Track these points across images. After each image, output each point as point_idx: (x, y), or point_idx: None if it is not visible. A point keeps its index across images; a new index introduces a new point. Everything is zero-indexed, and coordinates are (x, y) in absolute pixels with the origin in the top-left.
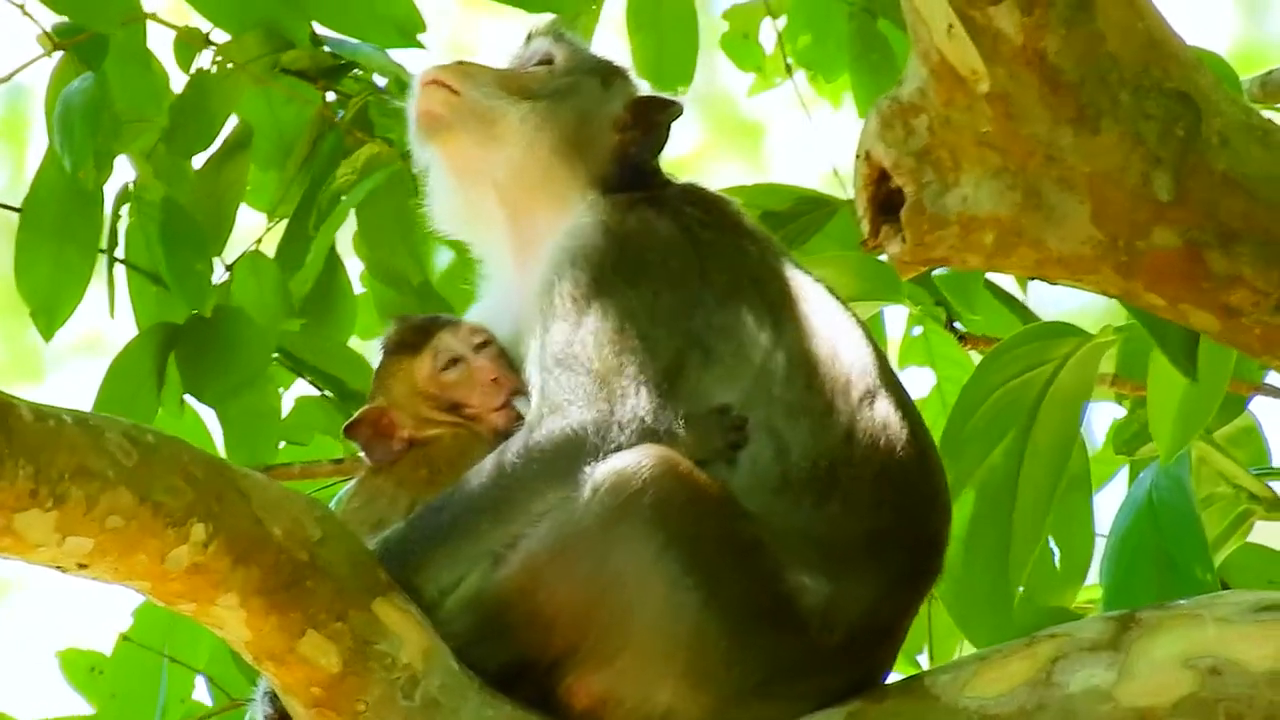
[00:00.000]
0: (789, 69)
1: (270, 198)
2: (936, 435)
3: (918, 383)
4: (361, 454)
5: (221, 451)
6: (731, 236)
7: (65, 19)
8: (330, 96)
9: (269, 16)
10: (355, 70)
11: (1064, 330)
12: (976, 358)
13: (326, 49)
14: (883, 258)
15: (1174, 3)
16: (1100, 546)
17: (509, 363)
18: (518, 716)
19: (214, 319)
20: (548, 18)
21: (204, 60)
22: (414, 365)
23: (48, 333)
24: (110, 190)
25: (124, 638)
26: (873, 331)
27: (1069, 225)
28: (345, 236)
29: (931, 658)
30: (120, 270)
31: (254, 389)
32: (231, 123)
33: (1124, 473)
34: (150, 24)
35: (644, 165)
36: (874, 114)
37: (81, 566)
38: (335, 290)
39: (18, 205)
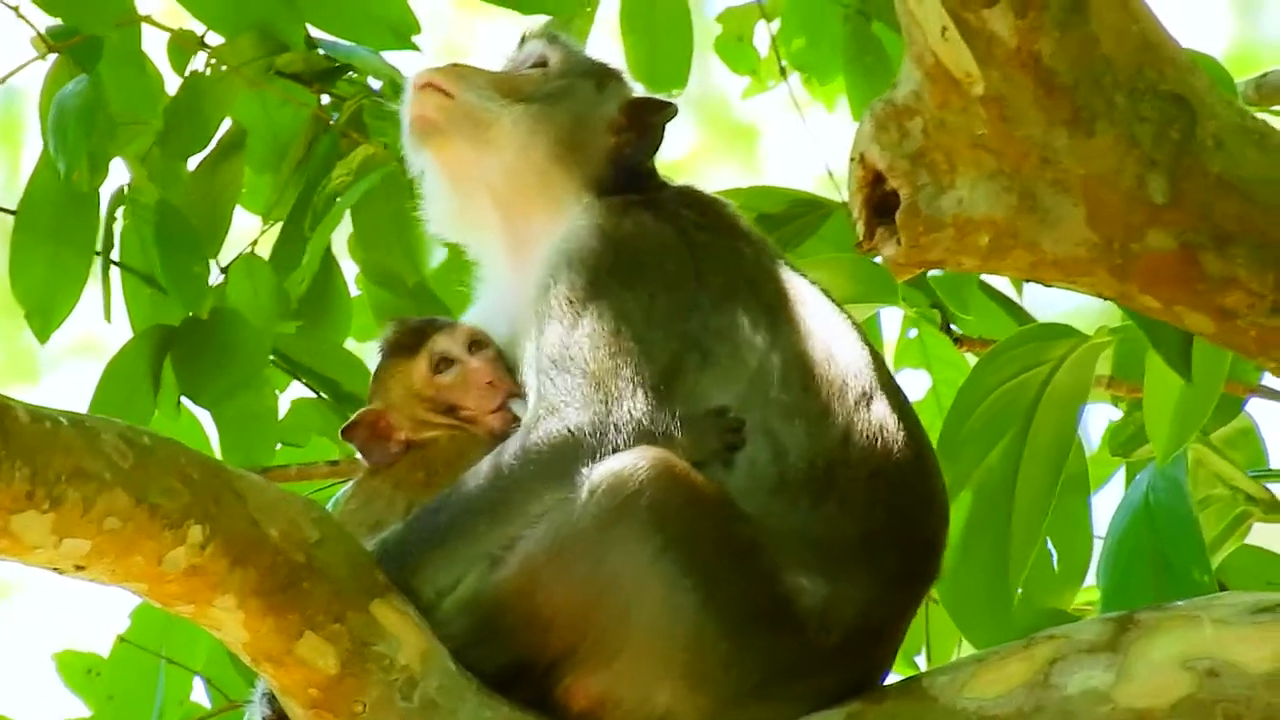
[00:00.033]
0: (783, 72)
1: (265, 200)
2: (933, 437)
3: (913, 385)
4: (359, 456)
5: (218, 453)
6: (727, 239)
7: (59, 21)
8: (325, 99)
9: (263, 19)
10: (350, 73)
11: (1060, 331)
12: (972, 360)
13: (321, 52)
14: (878, 260)
15: (1168, 5)
16: (1097, 548)
17: (505, 365)
18: (515, 718)
19: (209, 321)
20: (542, 20)
21: (198, 63)
22: (410, 368)
23: (43, 335)
24: (105, 192)
25: (121, 639)
26: (868, 334)
27: (1064, 228)
28: (341, 239)
29: (929, 659)
30: (115, 273)
31: (250, 391)
32: (226, 125)
33: (1121, 474)
34: (145, 26)
35: (639, 167)
36: (869, 116)
37: (78, 568)
38: (331, 292)
39: (13, 208)
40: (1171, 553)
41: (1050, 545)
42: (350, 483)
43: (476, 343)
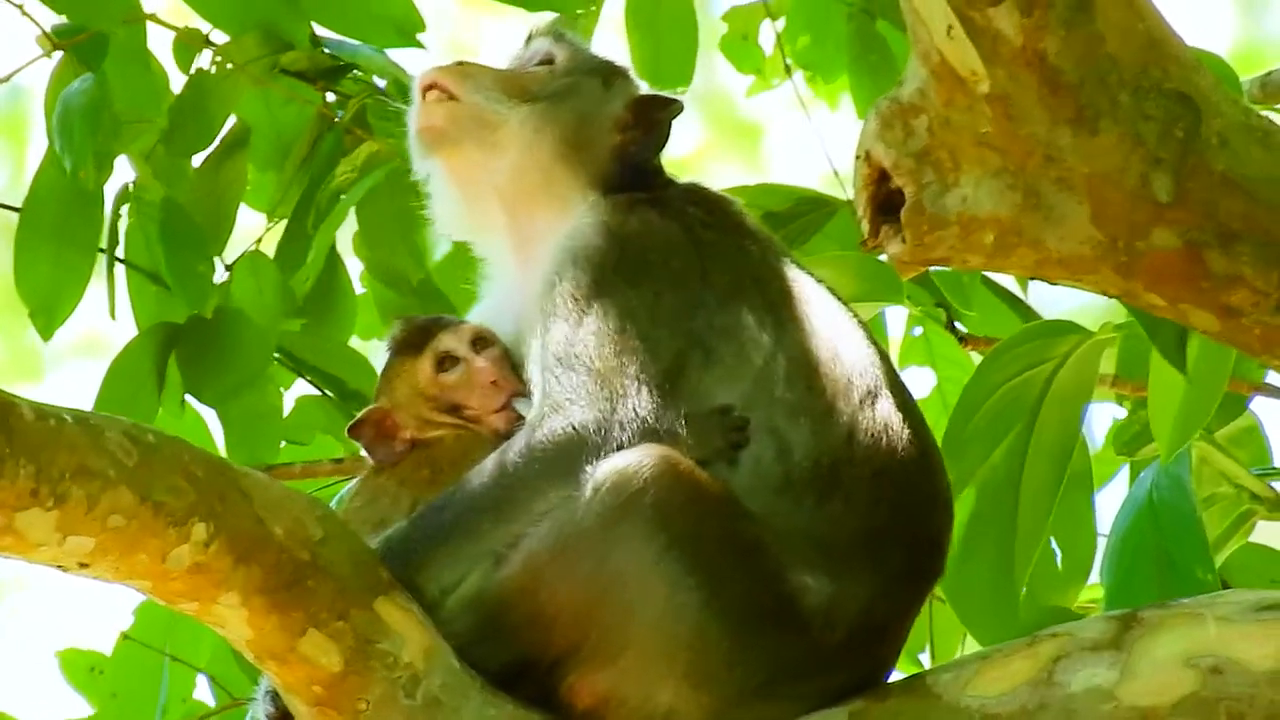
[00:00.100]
0: (788, 70)
1: (269, 198)
2: (938, 435)
3: (918, 383)
4: (364, 454)
5: (222, 451)
6: (733, 237)
7: (65, 19)
8: (330, 97)
9: (268, 17)
10: (354, 71)
11: (1064, 328)
12: (977, 358)
13: (325, 50)
14: (883, 258)
15: (1173, 3)
16: (1101, 546)
17: (511, 364)
18: (519, 716)
19: (214, 319)
20: (548, 18)
21: (203, 61)
22: (415, 366)
23: (47, 333)
24: (110, 190)
25: (125, 637)
26: (874, 332)
27: (1068, 226)
28: (345, 236)
29: (933, 656)
30: (120, 270)
31: (254, 389)
32: (230, 123)
33: (1124, 472)
34: (150, 25)
35: (645, 165)
36: (874, 114)
37: (83, 566)
38: (335, 290)
39: (17, 205)
40: (1175, 551)
41: (1054, 543)
42: (355, 480)
43: (481, 341)
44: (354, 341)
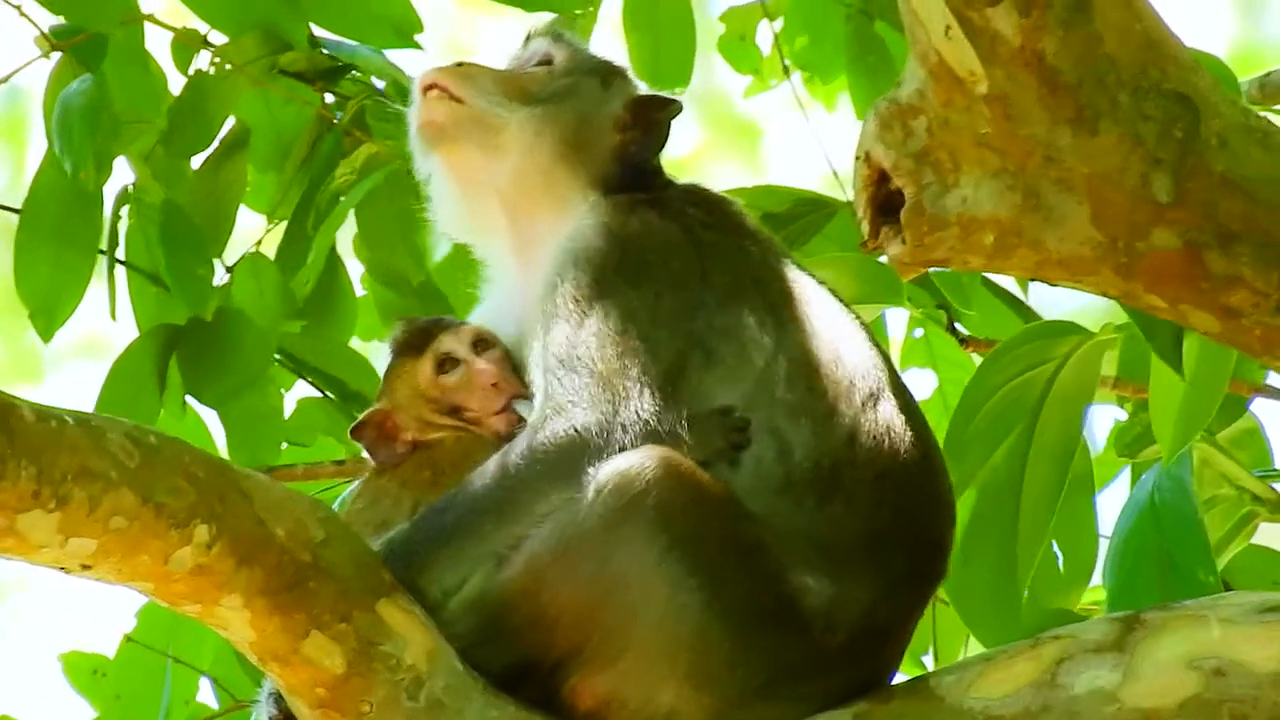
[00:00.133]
0: (786, 71)
1: (269, 199)
2: (939, 437)
3: (919, 385)
4: (365, 455)
5: (224, 453)
6: (734, 237)
7: (63, 20)
8: (329, 98)
9: (267, 18)
10: (353, 72)
11: (1065, 329)
12: (978, 360)
13: (324, 51)
14: (883, 259)
15: (1171, 4)
16: (1103, 549)
17: (512, 366)
18: (521, 717)
19: (215, 320)
20: (546, 18)
21: (202, 62)
22: (416, 368)
23: (47, 334)
24: (110, 191)
25: (128, 639)
26: (874, 334)
27: (1068, 226)
28: (346, 238)
29: (936, 659)
30: (121, 271)
31: (255, 390)
32: (229, 124)
33: (1126, 475)
34: (148, 25)
35: (645, 165)
36: (873, 115)
37: (85, 568)
38: (336, 291)
39: (17, 206)
40: (1177, 553)
41: (1056, 546)
42: (357, 482)
43: (482, 343)
44: (355, 343)
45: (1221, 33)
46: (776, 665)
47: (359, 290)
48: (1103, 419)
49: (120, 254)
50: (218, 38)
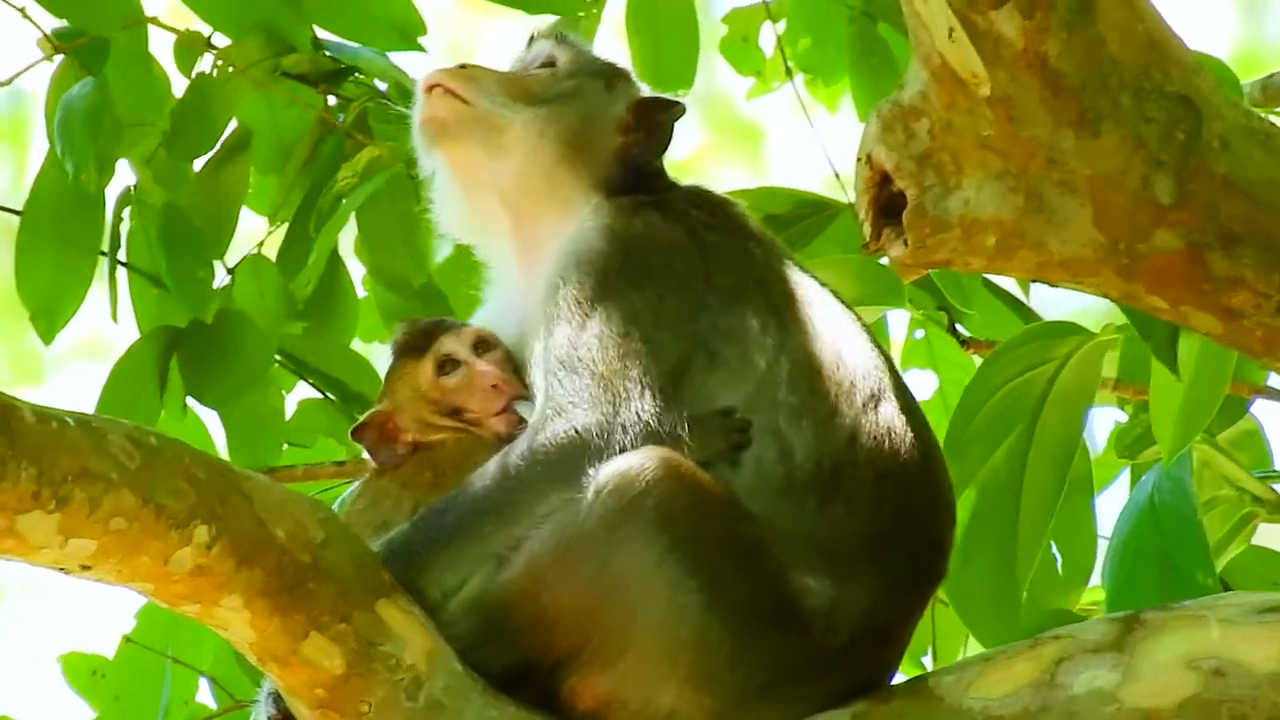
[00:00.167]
0: (789, 72)
1: (271, 201)
2: (939, 438)
3: (920, 386)
4: (366, 456)
5: (224, 454)
6: (737, 239)
7: (65, 23)
8: (331, 100)
9: (269, 20)
10: (356, 74)
11: (1066, 329)
12: (979, 361)
13: (327, 53)
14: (884, 261)
15: (1174, 5)
16: (1102, 550)
17: (513, 367)
18: (521, 718)
19: (216, 322)
20: (549, 20)
21: (205, 64)
22: (417, 370)
23: (48, 336)
24: (112, 193)
25: (127, 640)
26: (876, 335)
27: (1070, 228)
28: (347, 239)
29: (935, 659)
30: (122, 273)
31: (256, 391)
32: (232, 126)
33: (1125, 477)
34: (151, 27)
35: (647, 167)
36: (875, 117)
37: (84, 568)
38: (337, 293)
39: (19, 208)
40: (1176, 554)
41: (1054, 547)
42: (357, 483)
43: (483, 344)
44: (356, 344)
45: (1224, 34)
46: (777, 666)
47: (360, 292)
48: (1103, 420)
49: (122, 255)
50: (221, 40)
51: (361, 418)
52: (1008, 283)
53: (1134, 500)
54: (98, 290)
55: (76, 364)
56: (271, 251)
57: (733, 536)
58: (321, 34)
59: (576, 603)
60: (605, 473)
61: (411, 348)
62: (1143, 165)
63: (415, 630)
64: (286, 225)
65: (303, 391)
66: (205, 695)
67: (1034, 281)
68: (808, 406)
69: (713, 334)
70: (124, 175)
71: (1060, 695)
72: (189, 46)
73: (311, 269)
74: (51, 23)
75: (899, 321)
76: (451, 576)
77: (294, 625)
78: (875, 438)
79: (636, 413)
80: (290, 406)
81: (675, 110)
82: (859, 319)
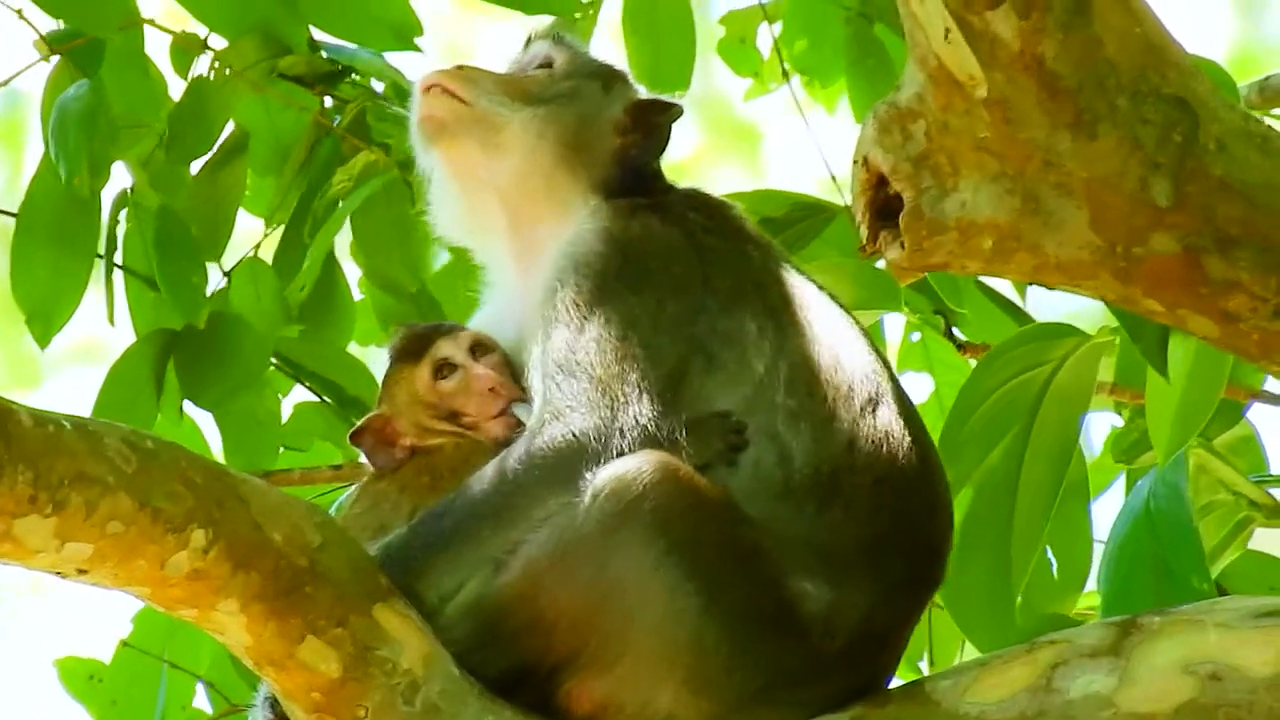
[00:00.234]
0: (785, 74)
1: (268, 203)
2: (935, 441)
3: (916, 389)
4: (364, 460)
5: (220, 458)
6: (735, 242)
7: (62, 24)
8: (328, 102)
9: (266, 21)
10: (353, 75)
11: (1062, 331)
12: (975, 365)
13: (324, 54)
14: (881, 264)
15: (1171, 6)
16: (1098, 554)
17: (511, 371)
18: None
19: (212, 325)
20: (546, 21)
21: (201, 66)
22: (414, 374)
23: (43, 340)
24: (109, 195)
25: (124, 644)
26: (872, 338)
27: (1067, 230)
28: (344, 242)
29: (932, 663)
30: (118, 276)
31: (252, 394)
32: (229, 129)
33: (1121, 481)
34: (147, 29)
35: (645, 169)
36: (872, 119)
37: (81, 572)
38: (334, 296)
39: (14, 211)
40: (1172, 559)
41: (1050, 553)
42: (355, 486)
43: (481, 348)
44: (352, 347)
45: (1221, 35)
46: (774, 670)
47: (357, 295)
48: (1100, 425)
49: (119, 258)
50: (217, 42)
51: (359, 422)
52: (1004, 286)
53: (1130, 505)
54: (94, 293)
55: (73, 367)
56: (268, 253)
57: (730, 540)
58: (318, 35)
59: (574, 606)
60: (602, 476)
61: (408, 352)
62: (1140, 168)
63: (412, 634)
64: (283, 227)
65: (299, 395)
66: (202, 700)
67: (1030, 284)
68: (806, 410)
69: (711, 337)
70: (122, 177)
71: (1057, 700)
72: (185, 48)
73: (306, 273)
74: (48, 24)
75: (895, 325)
76: (449, 580)
77: (290, 629)
78: (873, 442)
79: (634, 417)
80: (286, 410)
81: (673, 112)
82: (856, 322)
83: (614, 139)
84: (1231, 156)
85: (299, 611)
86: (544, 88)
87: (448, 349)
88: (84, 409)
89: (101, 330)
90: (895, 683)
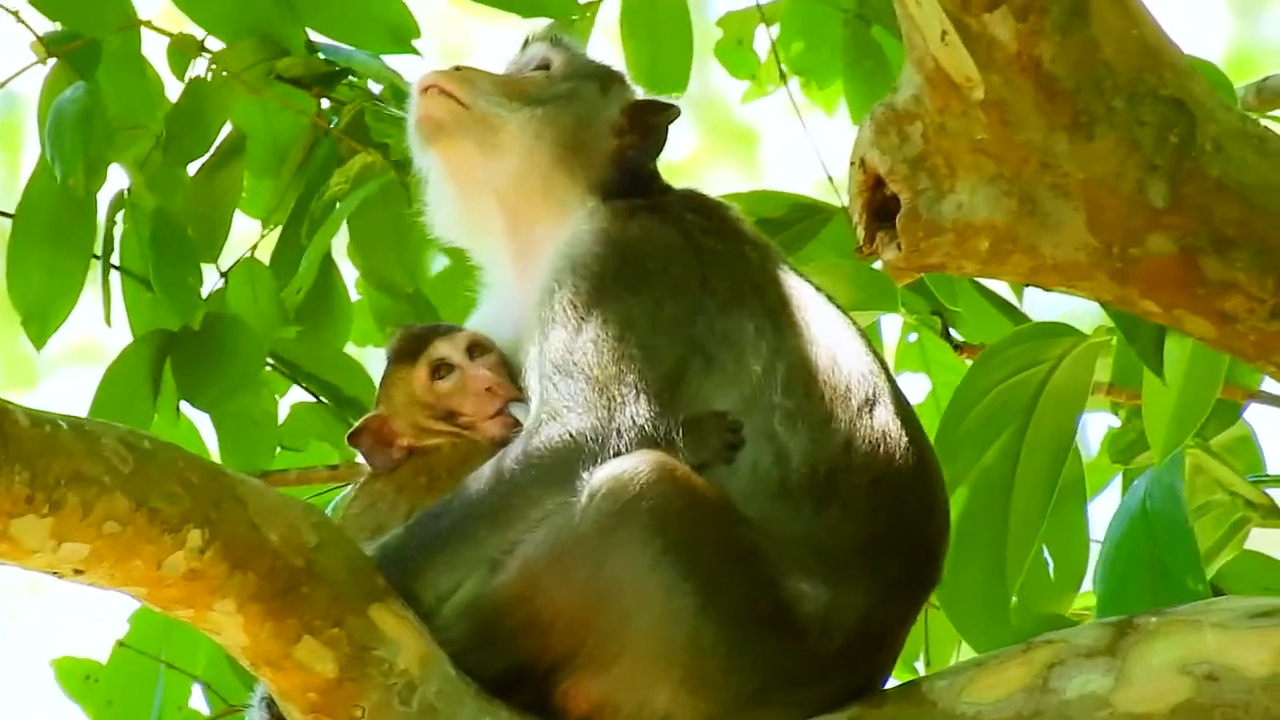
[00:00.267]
0: (783, 76)
1: (265, 205)
2: (932, 441)
3: (913, 389)
4: (361, 460)
5: (217, 458)
6: (732, 243)
7: (59, 26)
8: (325, 104)
9: (263, 23)
10: (350, 77)
11: (1058, 330)
12: None
13: (321, 56)
14: (877, 265)
15: (1168, 7)
16: (1094, 555)
17: (508, 371)
18: None
19: (209, 325)
20: (543, 23)
21: (199, 67)
22: (411, 374)
23: (39, 341)
24: (106, 196)
25: (120, 644)
26: (869, 338)
27: (1064, 232)
28: (341, 242)
29: (928, 664)
30: (115, 276)
31: (249, 394)
32: (226, 130)
33: (1118, 482)
34: (145, 31)
35: (642, 170)
36: (869, 121)
37: (77, 572)
38: (331, 297)
39: (10, 212)
40: (1168, 559)
41: (1046, 552)
42: (352, 486)
43: (478, 348)
44: (349, 348)
45: (1218, 36)
46: (772, 670)
47: (354, 295)
48: (1097, 425)
49: (115, 259)
50: (214, 43)
51: (358, 423)
52: (1001, 286)
53: (1126, 505)
54: (91, 294)
55: (70, 368)
56: (265, 254)
57: (727, 540)
58: (315, 37)
59: (570, 607)
60: (599, 477)
61: (405, 353)
62: (1137, 169)
63: (409, 635)
64: (280, 228)
65: (296, 395)
66: (198, 700)
67: (1027, 285)
68: (803, 410)
69: (709, 338)
70: (119, 178)
71: (1053, 700)
72: (183, 50)
73: (303, 276)
74: (46, 26)
75: (892, 325)
76: (446, 581)
77: (287, 629)
78: (870, 442)
79: (631, 417)
80: (283, 410)
81: (670, 113)
82: (853, 323)
83: (611, 140)
84: (1228, 158)
85: (295, 612)
86: (542, 89)
87: (444, 349)
88: (81, 409)
89: (98, 331)
90: (892, 683)
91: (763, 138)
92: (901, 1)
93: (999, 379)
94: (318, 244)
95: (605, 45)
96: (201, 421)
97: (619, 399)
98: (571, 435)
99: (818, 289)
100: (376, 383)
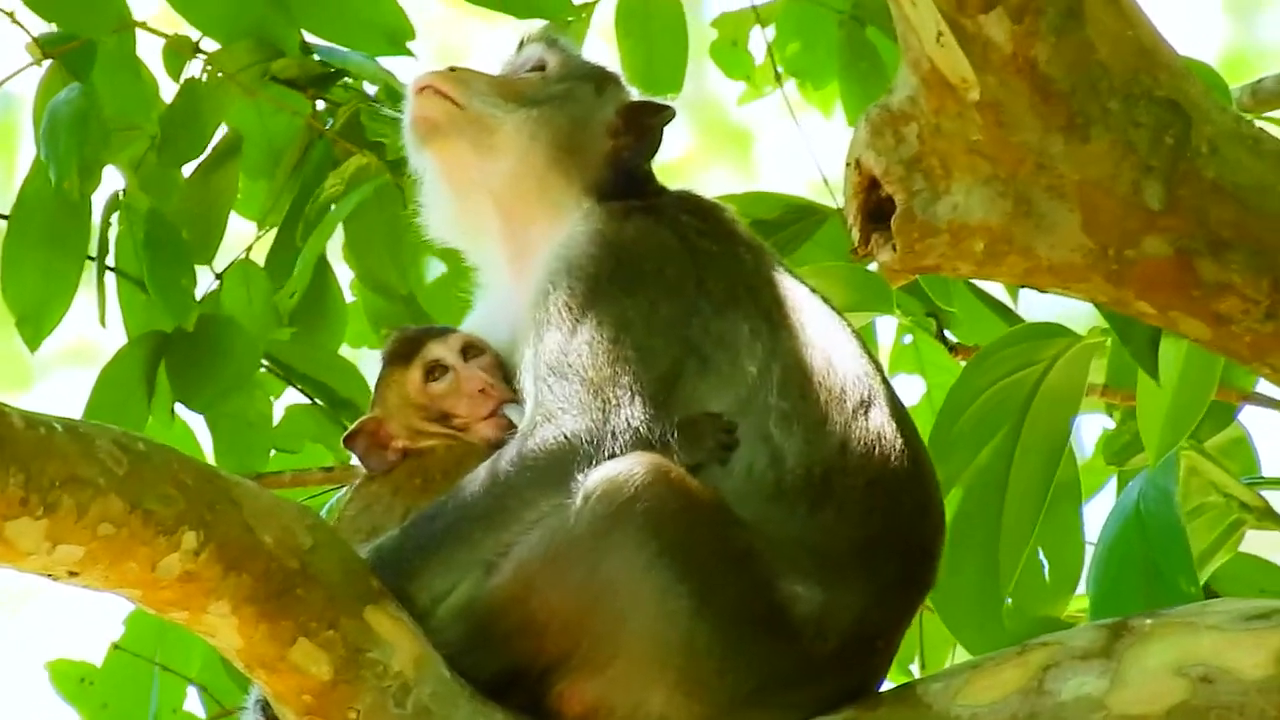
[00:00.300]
0: (778, 77)
1: (260, 206)
2: (926, 442)
3: (908, 391)
4: (356, 462)
5: (211, 460)
6: (727, 245)
7: (55, 27)
8: (320, 105)
9: (258, 24)
10: (345, 79)
11: (1053, 331)
12: None
13: (316, 57)
14: (872, 266)
15: (1163, 9)
16: (1089, 556)
17: (502, 373)
18: None
19: (204, 327)
20: (539, 24)
21: (194, 69)
22: (405, 376)
23: (34, 342)
24: (101, 197)
25: (115, 647)
26: (865, 341)
27: (1059, 233)
28: (337, 244)
29: (923, 666)
30: (110, 278)
31: (243, 396)
32: (221, 132)
33: (1113, 483)
34: (140, 32)
35: (637, 171)
36: (864, 122)
37: (72, 574)
38: (326, 298)
39: (5, 213)
40: (1161, 561)
41: (1041, 555)
42: (347, 489)
43: (472, 349)
44: (344, 350)
45: (1213, 38)
46: (766, 672)
47: (349, 297)
48: (1092, 427)
49: (111, 260)
50: (210, 45)
51: (353, 425)
52: (995, 288)
53: (1119, 507)
54: (86, 295)
55: (64, 369)
56: (260, 256)
57: (722, 542)
58: (310, 38)
59: (565, 608)
60: (594, 478)
61: (400, 355)
62: (1132, 170)
63: (403, 637)
64: (275, 230)
65: (291, 397)
66: (194, 703)
67: (1022, 287)
68: (798, 412)
69: (704, 340)
70: (114, 179)
71: (1048, 702)
72: (178, 51)
73: (297, 279)
74: (41, 27)
75: (887, 327)
76: (440, 583)
77: (282, 632)
78: (865, 444)
79: (626, 419)
80: (278, 412)
81: (665, 114)
82: (848, 325)
83: (606, 141)
84: (1224, 159)
85: (290, 614)
86: (537, 90)
87: (438, 351)
88: (75, 411)
89: (93, 332)
90: (887, 685)
91: (758, 139)
92: (897, 2)
93: (993, 380)
94: (313, 246)
95: (601, 46)
96: (196, 423)
97: (614, 401)
98: (566, 437)
99: (813, 290)
100: (371, 385)
